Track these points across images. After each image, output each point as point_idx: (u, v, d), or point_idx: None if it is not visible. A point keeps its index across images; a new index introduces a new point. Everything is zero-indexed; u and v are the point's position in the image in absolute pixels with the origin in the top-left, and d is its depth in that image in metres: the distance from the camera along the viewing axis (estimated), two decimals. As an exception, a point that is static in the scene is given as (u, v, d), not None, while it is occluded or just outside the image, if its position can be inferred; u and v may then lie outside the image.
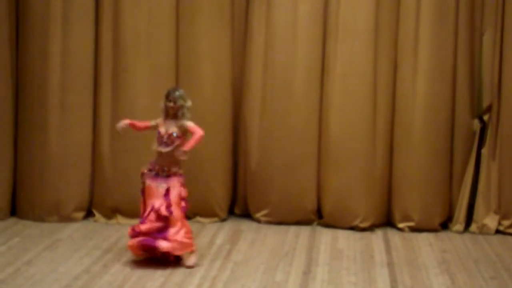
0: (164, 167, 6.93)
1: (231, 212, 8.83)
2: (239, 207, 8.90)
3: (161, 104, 7.02)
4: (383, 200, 8.57)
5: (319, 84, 8.50)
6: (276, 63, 8.44)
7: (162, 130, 6.96)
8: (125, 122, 7.08)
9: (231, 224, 8.50)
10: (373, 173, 8.43)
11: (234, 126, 8.72)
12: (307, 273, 6.83)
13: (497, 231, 8.38)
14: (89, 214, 8.61)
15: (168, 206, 6.86)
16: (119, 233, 8.01)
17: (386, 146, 8.50)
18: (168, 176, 6.93)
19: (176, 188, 6.92)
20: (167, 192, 6.89)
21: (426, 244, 7.93)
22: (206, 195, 8.43)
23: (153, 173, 6.96)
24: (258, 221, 8.63)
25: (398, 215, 8.51)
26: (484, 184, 8.45)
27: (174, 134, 6.92)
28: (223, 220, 8.62)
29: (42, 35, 8.28)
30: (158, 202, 6.88)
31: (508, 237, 8.26)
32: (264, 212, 8.62)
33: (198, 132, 6.86)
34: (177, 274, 6.68)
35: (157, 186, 6.92)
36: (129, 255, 7.18)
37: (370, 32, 8.29)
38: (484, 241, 8.09)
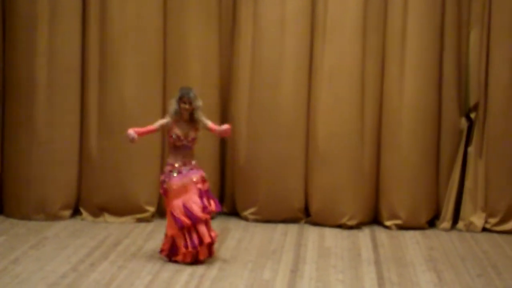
0: (186, 162, 6.92)
1: (218, 210, 8.82)
2: (226, 205, 8.89)
3: (173, 106, 6.91)
4: (371, 198, 8.58)
5: (307, 82, 8.51)
6: (263, 61, 8.44)
7: (179, 132, 6.88)
8: (133, 135, 6.82)
9: (218, 222, 8.47)
10: (361, 171, 8.44)
11: (222, 124, 8.70)
12: (295, 271, 6.83)
13: (484, 229, 8.41)
14: (76, 213, 8.58)
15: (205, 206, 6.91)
16: (106, 231, 7.99)
17: (373, 144, 8.52)
18: (191, 169, 6.94)
19: (199, 184, 6.95)
20: (197, 188, 6.92)
21: (413, 242, 7.94)
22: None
23: (175, 172, 6.91)
24: (246, 219, 8.63)
25: (385, 213, 8.52)
26: (471, 182, 8.48)
27: (195, 140, 6.97)
28: (211, 218, 8.59)
29: (29, 32, 8.25)
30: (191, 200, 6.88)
31: (495, 235, 8.30)
32: (251, 210, 8.62)
33: (219, 128, 7.04)
34: (165, 271, 6.66)
35: (185, 183, 6.90)
36: (116, 253, 7.16)
37: (358, 30, 8.31)
38: (471, 239, 8.11)
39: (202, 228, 6.85)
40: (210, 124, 7.01)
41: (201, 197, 6.90)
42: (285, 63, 8.40)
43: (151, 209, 8.46)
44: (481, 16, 8.34)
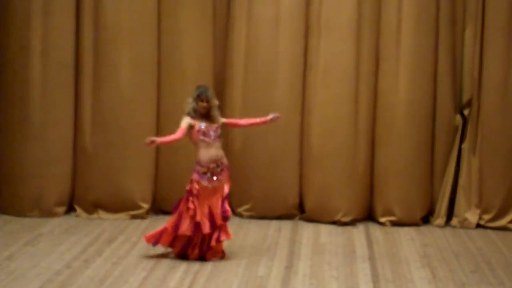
0: (218, 161, 6.91)
1: (213, 207, 8.81)
2: (221, 202, 8.89)
3: (191, 105, 6.88)
4: (365, 195, 8.60)
5: (302, 79, 8.51)
6: (258, 59, 8.43)
7: (203, 125, 6.86)
8: (155, 142, 6.75)
9: (213, 219, 8.49)
10: (355, 167, 8.45)
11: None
12: (289, 267, 6.84)
13: (478, 225, 8.44)
14: (70, 209, 8.57)
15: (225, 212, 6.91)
16: (101, 228, 7.99)
17: (368, 141, 8.53)
18: (222, 170, 6.94)
19: (226, 186, 6.98)
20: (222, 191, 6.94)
21: (407, 238, 7.96)
22: (188, 190, 8.42)
23: (208, 175, 6.89)
24: (240, 215, 8.64)
25: (379, 210, 8.54)
26: (465, 179, 8.50)
27: (219, 130, 6.96)
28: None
29: (22, 29, 8.23)
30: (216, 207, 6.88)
31: (489, 231, 8.32)
32: (246, 206, 8.62)
33: (242, 120, 7.38)
34: (159, 268, 6.66)
35: (213, 186, 6.90)
36: (110, 250, 7.16)
37: (352, 27, 8.31)
38: (465, 235, 8.13)
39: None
40: (225, 119, 7.12)
41: (223, 201, 6.93)
42: (280, 61, 8.39)
43: (146, 205, 8.45)
44: (475, 13, 8.36)
